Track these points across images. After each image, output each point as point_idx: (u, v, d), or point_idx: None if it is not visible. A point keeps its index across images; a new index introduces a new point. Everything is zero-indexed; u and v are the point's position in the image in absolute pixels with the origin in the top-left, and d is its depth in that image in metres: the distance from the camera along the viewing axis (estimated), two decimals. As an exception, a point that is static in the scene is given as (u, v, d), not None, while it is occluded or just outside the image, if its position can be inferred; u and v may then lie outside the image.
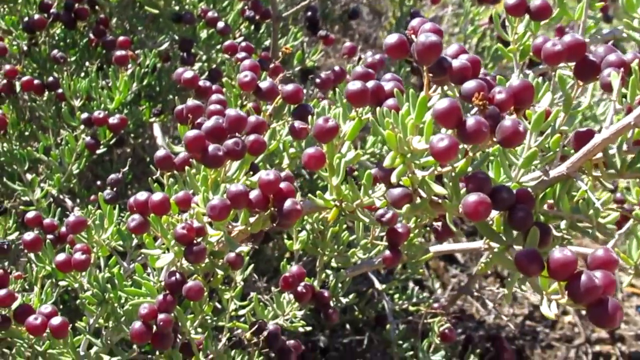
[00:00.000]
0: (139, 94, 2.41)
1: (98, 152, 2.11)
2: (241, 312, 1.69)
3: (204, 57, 2.37)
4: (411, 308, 2.20)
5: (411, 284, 2.47)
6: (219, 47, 2.28)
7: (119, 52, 2.09)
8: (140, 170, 2.61)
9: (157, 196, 1.29)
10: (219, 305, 1.67)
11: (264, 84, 1.35)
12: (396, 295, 2.20)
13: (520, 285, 1.01)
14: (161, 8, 2.29)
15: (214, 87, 1.57)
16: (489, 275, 3.28)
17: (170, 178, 1.53)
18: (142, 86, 2.25)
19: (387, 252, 1.49)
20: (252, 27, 2.31)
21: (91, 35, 2.33)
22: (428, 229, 1.72)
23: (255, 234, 1.40)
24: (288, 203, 1.17)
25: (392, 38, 1.07)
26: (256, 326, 1.58)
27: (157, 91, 2.43)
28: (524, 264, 0.92)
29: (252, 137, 1.26)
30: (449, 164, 1.04)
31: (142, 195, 1.32)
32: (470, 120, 0.91)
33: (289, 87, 1.34)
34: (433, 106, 0.96)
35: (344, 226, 1.63)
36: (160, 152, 1.48)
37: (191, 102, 1.42)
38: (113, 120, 2.05)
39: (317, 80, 1.78)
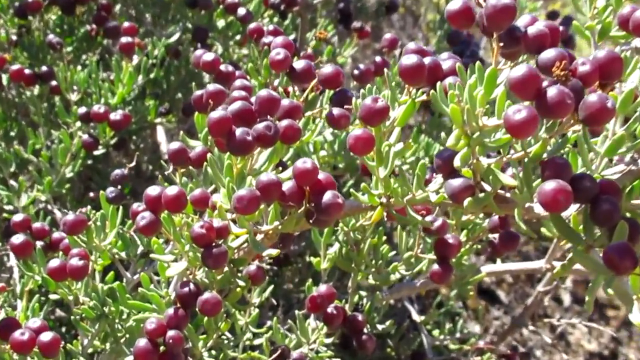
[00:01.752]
0: (144, 89, 2.43)
1: (96, 153, 2.12)
2: (257, 342, 1.67)
3: (220, 49, 2.39)
4: (453, 346, 2.16)
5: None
6: (238, 37, 2.30)
7: (124, 39, 2.12)
8: (139, 182, 2.62)
9: (172, 190, 1.28)
10: (229, 335, 1.65)
11: (299, 64, 1.36)
12: (436, 330, 2.17)
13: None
14: (173, -8, 2.33)
15: (237, 72, 1.58)
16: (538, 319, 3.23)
17: (183, 176, 1.54)
18: (149, 80, 2.28)
19: (436, 267, 1.47)
20: (277, 16, 2.33)
21: (90, 26, 2.37)
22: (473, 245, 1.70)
23: (285, 237, 1.39)
24: (328, 196, 1.16)
25: (455, 3, 1.07)
26: (278, 353, 1.56)
27: (164, 89, 2.46)
28: (614, 259, 0.90)
29: (285, 122, 1.26)
30: (521, 147, 1.03)
31: (153, 190, 1.32)
32: (552, 90, 0.91)
33: (328, 68, 1.35)
34: (506, 77, 0.96)
35: (384, 237, 1.61)
36: (174, 145, 1.49)
37: (212, 86, 1.43)
38: (115, 116, 2.07)
39: (356, 72, 1.78)
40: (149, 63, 2.21)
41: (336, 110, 1.31)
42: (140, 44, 2.22)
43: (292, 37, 2.46)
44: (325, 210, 1.16)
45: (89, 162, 2.34)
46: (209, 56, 1.54)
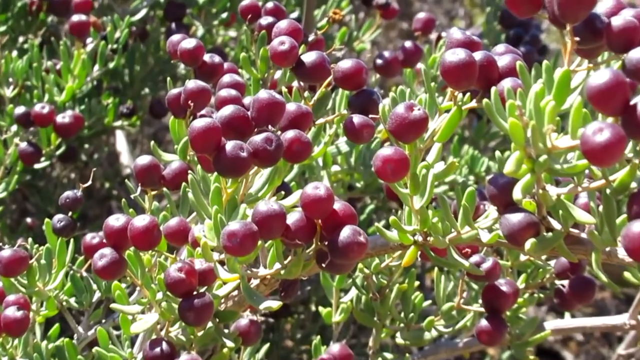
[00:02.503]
0: (100, 83, 2.45)
1: (37, 166, 2.13)
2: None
3: (201, 31, 2.41)
4: None
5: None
6: (224, 15, 2.32)
7: (75, 17, 2.13)
8: (90, 204, 2.63)
9: (142, 220, 1.30)
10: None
11: (310, 57, 1.37)
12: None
13: None
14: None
15: (225, 64, 1.60)
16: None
17: (154, 200, 1.55)
18: (107, 71, 2.29)
19: (484, 323, 1.48)
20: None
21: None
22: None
23: (287, 284, 1.40)
24: (346, 233, 1.17)
25: (516, -18, 1.09)
26: None
27: (125, 82, 2.48)
28: None
29: (291, 133, 1.27)
30: (601, 174, 1.04)
31: (116, 220, 1.33)
32: (645, 103, 0.91)
33: (347, 63, 1.36)
34: (583, 83, 0.97)
35: (415, 283, 1.62)
36: (142, 159, 1.50)
37: (193, 83, 1.44)
38: (63, 118, 2.09)
39: (379, 62, 1.80)
40: (107, 49, 2.22)
41: (357, 119, 1.32)
42: (97, 24, 2.23)
43: (294, 15, 2.48)
44: (343, 251, 1.17)
45: (27, 177, 2.36)
46: (189, 43, 1.55)
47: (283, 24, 1.41)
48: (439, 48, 2.08)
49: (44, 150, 2.14)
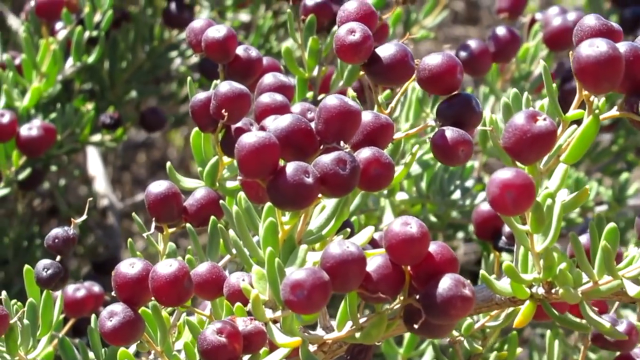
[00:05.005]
0: (70, 83, 2.47)
1: (-5, 194, 2.15)
2: None
3: (205, 13, 2.44)
4: None
5: None
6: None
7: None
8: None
9: (168, 267, 1.31)
10: None
11: (388, 51, 1.39)
12: None
13: None
14: None
15: (265, 59, 1.62)
16: None
17: (167, 239, 1.56)
18: (84, 68, 2.30)
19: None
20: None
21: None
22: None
23: (357, 351, 1.41)
24: (447, 283, 1.18)
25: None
26: None
27: (105, 82, 2.50)
28: None
29: (367, 152, 1.29)
30: None
31: (131, 267, 1.35)
32: None
33: (435, 58, 1.38)
34: None
35: (519, 350, 1.64)
36: (157, 186, 1.52)
37: (228, 85, 1.46)
38: (29, 130, 2.11)
39: (463, 55, 1.83)
40: (84, 37, 2.24)
41: (450, 133, 1.34)
42: (72, 3, 2.24)
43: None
44: (443, 308, 1.18)
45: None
46: (217, 31, 1.58)
47: (351, 5, 1.43)
48: (532, 35, 2.11)
49: (3, 172, 2.16)
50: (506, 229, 1.67)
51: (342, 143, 1.28)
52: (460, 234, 2.27)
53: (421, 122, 1.84)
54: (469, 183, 1.92)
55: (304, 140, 1.28)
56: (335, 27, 1.60)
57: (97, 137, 2.42)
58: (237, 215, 1.31)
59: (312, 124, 1.29)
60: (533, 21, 2.13)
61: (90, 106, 2.37)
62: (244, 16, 2.75)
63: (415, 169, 1.84)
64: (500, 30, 1.98)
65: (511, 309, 1.49)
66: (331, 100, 1.28)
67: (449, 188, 1.89)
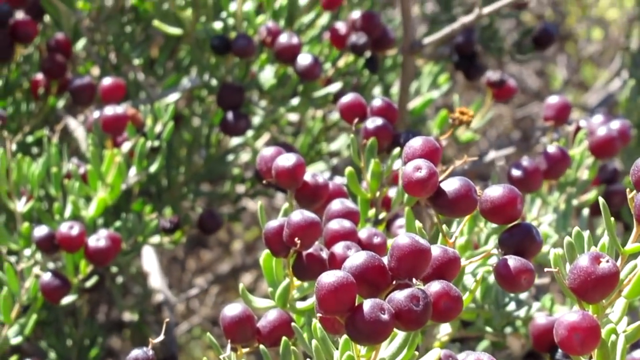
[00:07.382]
0: (129, 188, 2.52)
1: (64, 302, 2.18)
2: None
3: (259, 119, 2.50)
4: None
5: None
6: (294, 102, 2.43)
7: (109, 110, 2.24)
8: (119, 342, 2.68)
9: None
10: None
11: (453, 185, 1.46)
12: None
13: None
14: (187, 25, 2.45)
15: (330, 184, 1.69)
16: None
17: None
18: (148, 177, 2.37)
19: None
20: (357, 62, 2.47)
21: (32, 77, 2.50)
22: None
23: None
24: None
25: None
26: None
27: (162, 185, 2.56)
28: None
29: (436, 286, 1.36)
30: None
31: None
32: None
33: (497, 190, 1.45)
34: None
35: None
36: (232, 309, 1.59)
37: (300, 215, 1.54)
38: (97, 241, 2.18)
39: (516, 174, 1.88)
40: (147, 146, 2.31)
41: (513, 262, 1.41)
42: (136, 117, 2.31)
43: (376, 89, 2.59)
44: None
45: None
46: (287, 160, 1.65)
47: (417, 142, 1.50)
48: (577, 142, 2.16)
49: (72, 280, 2.21)
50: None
51: (414, 279, 1.35)
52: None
53: (474, 237, 1.91)
54: (524, 295, 1.96)
55: (377, 277, 1.35)
56: (397, 150, 1.68)
57: (155, 239, 2.47)
58: (317, 348, 1.38)
59: (384, 259, 1.36)
60: (578, 129, 2.19)
61: (153, 215, 2.42)
62: (293, 116, 2.81)
63: (471, 282, 1.88)
64: (551, 149, 2.06)
65: None
66: (403, 240, 1.35)
67: (503, 299, 1.93)
